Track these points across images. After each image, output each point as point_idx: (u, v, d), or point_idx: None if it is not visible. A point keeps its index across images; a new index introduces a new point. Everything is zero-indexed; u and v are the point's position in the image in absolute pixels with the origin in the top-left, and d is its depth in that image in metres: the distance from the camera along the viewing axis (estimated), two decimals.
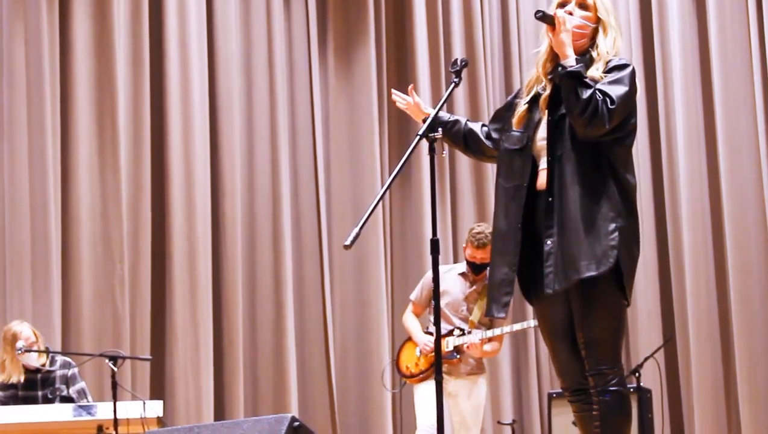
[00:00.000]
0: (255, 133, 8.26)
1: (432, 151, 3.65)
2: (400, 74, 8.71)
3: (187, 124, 7.86)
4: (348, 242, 3.45)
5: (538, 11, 3.81)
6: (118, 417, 5.81)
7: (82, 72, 7.58)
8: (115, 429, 5.86)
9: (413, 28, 8.63)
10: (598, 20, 3.89)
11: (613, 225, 3.72)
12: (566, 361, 3.90)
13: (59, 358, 6.53)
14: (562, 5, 3.91)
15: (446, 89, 3.90)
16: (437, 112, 3.76)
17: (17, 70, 7.40)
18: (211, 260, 7.81)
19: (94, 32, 7.65)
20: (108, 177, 7.57)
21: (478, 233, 6.16)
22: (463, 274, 6.34)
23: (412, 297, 6.49)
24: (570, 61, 3.74)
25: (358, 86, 8.55)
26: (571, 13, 3.86)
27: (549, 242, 3.76)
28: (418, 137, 3.65)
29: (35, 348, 6.40)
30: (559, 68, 3.76)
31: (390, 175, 3.72)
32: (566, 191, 3.75)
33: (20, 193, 7.32)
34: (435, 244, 3.61)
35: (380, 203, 8.25)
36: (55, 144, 7.43)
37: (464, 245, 6.37)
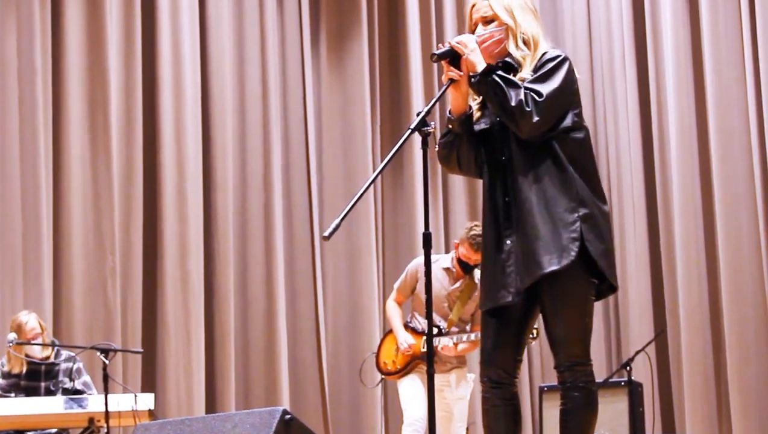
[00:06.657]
0: (247, 125, 8.24)
1: (425, 144, 3.63)
2: (393, 67, 8.69)
3: (179, 116, 7.84)
4: (326, 233, 3.41)
5: (432, 54, 3.77)
6: (109, 409, 5.81)
7: (74, 64, 7.56)
8: (107, 421, 5.86)
9: (406, 20, 8.61)
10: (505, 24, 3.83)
11: (575, 216, 3.67)
12: (503, 352, 3.79)
13: (64, 351, 6.52)
14: (473, 32, 3.85)
15: (438, 82, 3.86)
16: (431, 107, 3.74)
17: (9, 62, 7.38)
18: (203, 252, 7.80)
19: (87, 24, 7.63)
20: (100, 169, 7.56)
21: (479, 235, 5.61)
22: (447, 270, 6.17)
23: (396, 284, 6.38)
24: (481, 67, 3.69)
25: (350, 79, 8.53)
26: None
27: (508, 241, 3.74)
28: (410, 130, 3.63)
29: (39, 339, 6.39)
30: (472, 78, 3.71)
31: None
32: (519, 187, 3.72)
33: (12, 184, 7.31)
34: (427, 238, 3.59)
35: (372, 197, 8.36)
36: (46, 136, 7.41)
37: (457, 241, 6.17)
